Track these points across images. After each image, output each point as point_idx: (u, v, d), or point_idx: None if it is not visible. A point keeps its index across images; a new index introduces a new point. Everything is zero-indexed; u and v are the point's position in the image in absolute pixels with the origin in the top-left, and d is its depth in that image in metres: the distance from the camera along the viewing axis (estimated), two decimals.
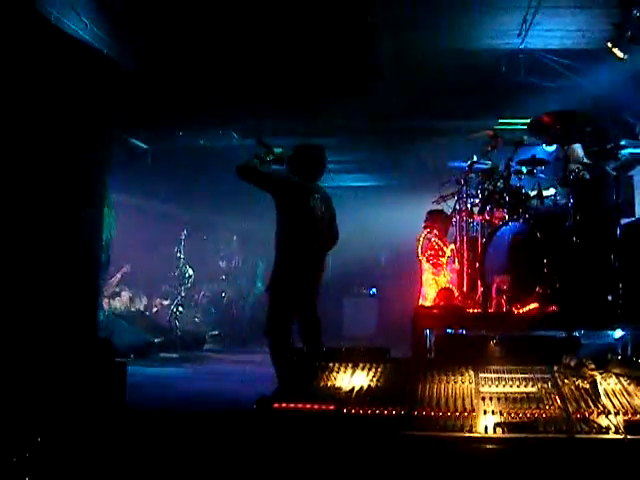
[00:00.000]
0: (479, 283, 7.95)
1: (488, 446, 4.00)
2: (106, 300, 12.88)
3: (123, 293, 14.30)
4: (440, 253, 9.05)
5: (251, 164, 7.08)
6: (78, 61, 6.49)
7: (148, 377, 9.57)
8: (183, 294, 14.08)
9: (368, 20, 9.00)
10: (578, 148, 8.25)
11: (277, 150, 7.31)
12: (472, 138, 9.10)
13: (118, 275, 14.26)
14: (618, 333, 7.19)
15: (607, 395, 4.54)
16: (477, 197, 8.77)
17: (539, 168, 8.32)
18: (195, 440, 5.53)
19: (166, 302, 14.51)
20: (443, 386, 4.78)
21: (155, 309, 14.94)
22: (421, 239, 9.32)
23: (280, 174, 7.32)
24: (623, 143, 7.73)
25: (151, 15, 8.97)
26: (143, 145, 13.81)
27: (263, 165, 7.18)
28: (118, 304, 13.96)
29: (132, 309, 14.24)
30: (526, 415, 4.26)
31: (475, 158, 8.78)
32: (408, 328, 7.68)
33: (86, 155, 6.54)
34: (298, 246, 7.09)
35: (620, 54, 8.62)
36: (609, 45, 8.64)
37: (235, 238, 16.49)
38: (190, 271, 14.23)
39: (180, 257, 13.94)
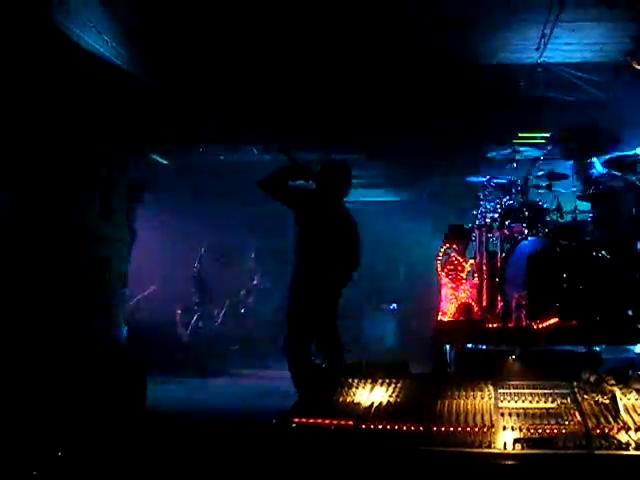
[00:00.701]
0: (499, 298, 7.95)
1: (507, 462, 3.99)
2: (127, 314, 12.90)
3: (144, 308, 14.33)
4: (459, 268, 9.03)
5: (275, 177, 7.08)
6: (98, 77, 6.57)
7: (168, 391, 9.59)
8: (203, 310, 14.09)
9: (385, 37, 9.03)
10: (597, 162, 8.24)
11: (304, 166, 7.30)
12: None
13: (139, 297, 14.33)
14: (639, 348, 7.16)
15: (627, 411, 4.52)
16: (496, 212, 8.77)
17: (558, 183, 8.33)
18: (215, 453, 5.55)
19: (187, 318, 14.51)
20: (462, 402, 4.77)
21: (177, 324, 14.95)
22: (440, 254, 9.31)
23: (304, 190, 7.32)
24: None
25: (173, 31, 9.02)
26: (163, 160, 13.89)
27: (288, 180, 7.17)
28: (139, 318, 13.98)
29: (154, 323, 14.26)
30: (545, 431, 4.24)
31: (494, 173, 8.79)
32: (428, 343, 7.68)
33: (104, 169, 6.60)
34: (317, 264, 7.08)
35: (638, 66, 8.61)
36: (627, 58, 8.63)
37: (255, 256, 16.49)
38: (210, 287, 14.25)
39: (200, 273, 13.96)
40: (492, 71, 10.10)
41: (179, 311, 14.78)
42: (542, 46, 9.37)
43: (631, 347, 7.29)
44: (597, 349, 6.92)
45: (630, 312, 7.15)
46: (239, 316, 15.98)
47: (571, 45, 9.46)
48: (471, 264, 9.09)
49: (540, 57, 9.70)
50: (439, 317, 8.93)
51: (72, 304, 6.21)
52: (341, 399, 4.93)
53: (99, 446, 5.38)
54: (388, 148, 12.68)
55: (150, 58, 9.45)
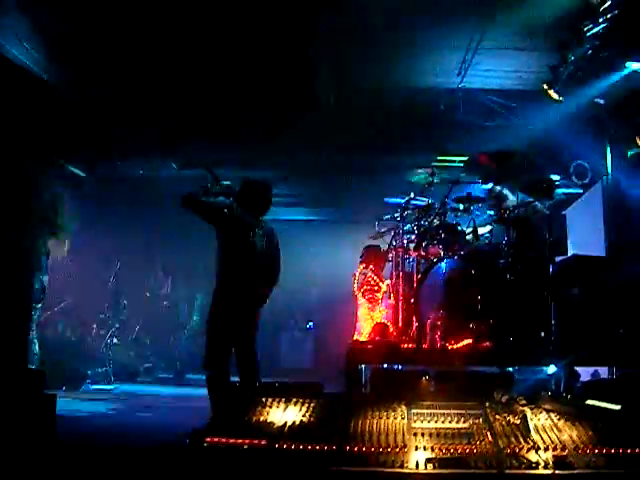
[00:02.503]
0: (414, 319, 8.00)
1: None
2: (38, 330, 12.62)
3: (54, 323, 14.05)
4: (376, 288, 9.09)
5: (197, 195, 7.08)
6: (15, 84, 6.43)
7: (79, 410, 9.39)
8: (117, 325, 13.89)
9: (310, 54, 9.06)
10: (509, 192, 8.38)
11: (224, 182, 7.33)
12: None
13: (55, 309, 14.06)
14: (551, 369, 7.29)
15: (537, 430, 4.58)
16: (413, 233, 8.86)
17: (475, 206, 8.44)
18: (126, 476, 5.44)
19: (102, 332, 14.28)
20: (375, 422, 4.76)
21: (89, 340, 14.70)
22: (357, 274, 9.35)
23: (224, 207, 7.32)
24: (557, 182, 7.88)
25: (92, 41, 8.91)
26: (81, 172, 13.68)
27: (209, 196, 7.19)
28: (50, 334, 13.70)
29: (64, 339, 13.99)
30: (457, 451, 4.26)
31: (412, 195, 8.86)
32: (343, 361, 7.68)
33: (17, 180, 6.44)
34: (237, 280, 7.09)
35: (555, 96, 8.79)
36: (545, 87, 8.81)
37: (171, 270, 16.35)
38: (125, 302, 14.06)
39: (114, 288, 13.76)
40: (413, 93, 10.22)
41: (94, 325, 14.55)
42: (463, 71, 9.53)
43: (543, 368, 7.42)
44: (510, 370, 7.01)
45: (542, 334, 7.27)
46: (155, 332, 15.82)
47: (491, 71, 9.64)
48: (387, 285, 9.15)
49: (461, 82, 9.86)
50: (354, 337, 8.96)
51: None
52: (254, 418, 4.88)
53: (6, 466, 5.23)
54: (307, 167, 12.73)
55: (70, 68, 9.31)
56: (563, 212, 9.34)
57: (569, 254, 8.34)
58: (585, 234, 9.88)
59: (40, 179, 7.41)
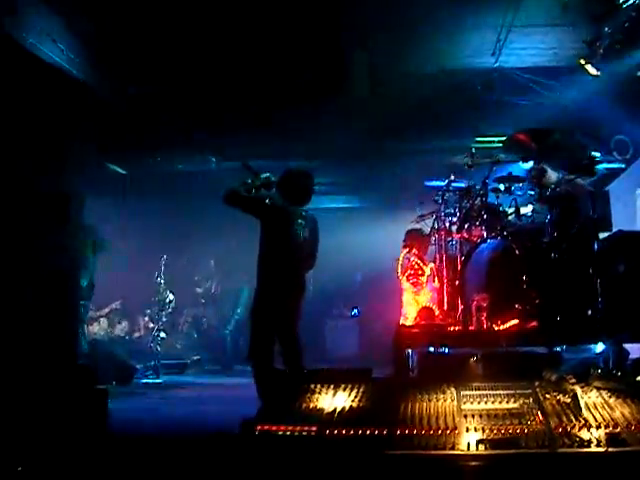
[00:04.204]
0: (459, 301, 7.98)
1: (471, 463, 3.99)
2: (86, 326, 12.78)
3: (102, 319, 14.23)
4: (420, 272, 9.07)
5: (238, 191, 7.11)
6: (52, 86, 6.49)
7: (130, 403, 9.49)
8: (164, 319, 14.00)
9: (342, 40, 9.05)
10: (549, 168, 8.30)
11: (263, 175, 7.34)
12: None
13: (106, 310, 14.24)
14: (599, 347, 7.23)
15: (588, 409, 4.55)
16: (455, 215, 8.82)
17: (516, 185, 8.38)
18: (178, 466, 5.49)
19: (150, 326, 14.43)
20: (425, 405, 4.77)
21: (137, 335, 14.85)
22: (400, 258, 9.33)
23: (266, 199, 7.33)
24: (598, 158, 7.79)
25: (127, 39, 8.97)
26: (122, 171, 13.81)
27: (250, 191, 7.21)
28: (97, 330, 13.88)
29: (113, 335, 14.16)
30: (508, 431, 4.25)
31: (452, 177, 8.82)
32: (390, 348, 7.69)
33: (61, 181, 6.51)
34: (280, 270, 7.11)
35: (593, 70, 8.70)
36: (582, 62, 8.72)
37: (215, 263, 16.43)
38: (171, 296, 14.16)
39: (161, 282, 13.85)
40: (449, 76, 10.16)
41: (142, 320, 14.71)
42: (497, 51, 9.45)
43: (591, 347, 7.36)
44: (558, 349, 6.96)
45: (589, 312, 7.21)
46: (201, 325, 15.94)
47: (526, 49, 9.55)
48: (431, 268, 9.13)
49: (496, 62, 9.78)
50: (400, 322, 8.96)
51: (29, 316, 6.11)
52: (304, 405, 4.91)
53: (60, 460, 5.30)
54: (345, 154, 12.72)
55: (106, 66, 9.39)
56: (606, 188, 9.22)
57: (614, 230, 8.26)
58: (630, 209, 9.78)
59: (79, 178, 7.47)
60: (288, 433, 4.43)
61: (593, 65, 8.66)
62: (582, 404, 4.62)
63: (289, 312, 7.20)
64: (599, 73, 8.75)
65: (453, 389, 5.01)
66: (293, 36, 8.88)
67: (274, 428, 4.49)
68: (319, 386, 5.21)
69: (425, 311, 8.63)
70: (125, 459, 5.69)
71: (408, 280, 9.11)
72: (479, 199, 8.39)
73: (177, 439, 6.61)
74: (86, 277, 10.73)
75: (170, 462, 5.61)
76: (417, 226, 9.67)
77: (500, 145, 10.09)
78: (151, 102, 10.62)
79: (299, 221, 7.27)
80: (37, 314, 6.19)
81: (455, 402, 4.78)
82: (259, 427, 4.52)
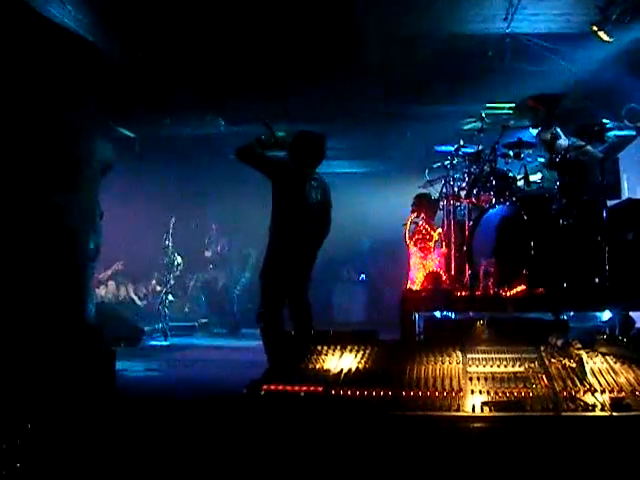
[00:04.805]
0: (467, 266, 7.99)
1: (476, 425, 4.03)
2: (93, 289, 12.83)
3: (110, 282, 14.28)
4: (428, 237, 9.06)
5: (252, 147, 7.08)
6: (61, 47, 6.46)
7: (138, 365, 9.56)
8: (172, 282, 14.05)
9: (354, 3, 8.98)
10: (561, 133, 8.27)
11: (279, 134, 7.30)
12: None
13: (109, 272, 14.27)
14: (606, 315, 7.25)
15: (593, 374, 4.58)
16: (464, 181, 8.80)
17: (526, 151, 8.35)
18: (185, 426, 5.54)
19: (157, 289, 14.50)
20: (431, 367, 4.81)
21: (144, 297, 14.92)
22: (408, 223, 9.32)
23: (279, 159, 7.31)
24: (609, 125, 7.76)
25: (136, 2, 8.93)
26: (131, 134, 13.79)
27: (264, 148, 7.18)
28: (105, 293, 13.94)
29: (120, 297, 14.23)
30: (513, 394, 4.29)
31: (462, 142, 8.79)
32: (397, 313, 7.70)
33: (69, 142, 6.51)
34: (292, 232, 7.09)
35: (605, 37, 8.63)
36: (594, 28, 8.64)
37: (223, 227, 16.43)
38: (179, 259, 14.20)
39: (168, 245, 13.89)
40: (460, 41, 10.09)
41: (150, 282, 14.77)
42: (510, 16, 9.37)
43: (597, 315, 7.38)
44: (564, 317, 6.98)
45: (597, 279, 7.21)
46: (209, 288, 15.99)
47: (538, 15, 9.46)
48: (439, 233, 9.12)
49: (508, 27, 9.70)
50: (408, 286, 8.97)
51: (38, 278, 6.14)
52: (311, 366, 4.95)
53: (69, 418, 5.36)
54: (355, 119, 12.68)
55: (114, 28, 9.34)
56: (618, 155, 9.17)
57: (623, 198, 8.23)
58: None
59: (90, 141, 7.47)
60: (294, 392, 4.47)
61: (605, 31, 8.59)
62: (587, 369, 4.66)
63: (300, 274, 7.20)
64: (611, 39, 8.68)
65: (459, 352, 5.05)
66: (306, 1, 8.82)
67: (280, 388, 4.53)
68: (325, 348, 5.26)
69: (432, 276, 8.62)
70: (132, 419, 5.75)
71: (416, 245, 9.10)
72: (488, 165, 8.37)
73: (184, 400, 6.66)
74: (93, 240, 10.75)
75: (177, 422, 5.66)
76: (425, 191, 9.64)
77: (510, 112, 10.05)
78: (160, 65, 10.58)
79: (312, 182, 7.25)
80: (46, 272, 6.22)
81: (461, 365, 4.82)
82: (265, 387, 4.56)
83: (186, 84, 11.16)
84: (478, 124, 8.74)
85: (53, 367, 5.77)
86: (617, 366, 4.70)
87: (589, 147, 8.01)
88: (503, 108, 11.09)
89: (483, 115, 8.89)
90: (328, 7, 9.00)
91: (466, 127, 8.75)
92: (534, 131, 8.77)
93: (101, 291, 13.84)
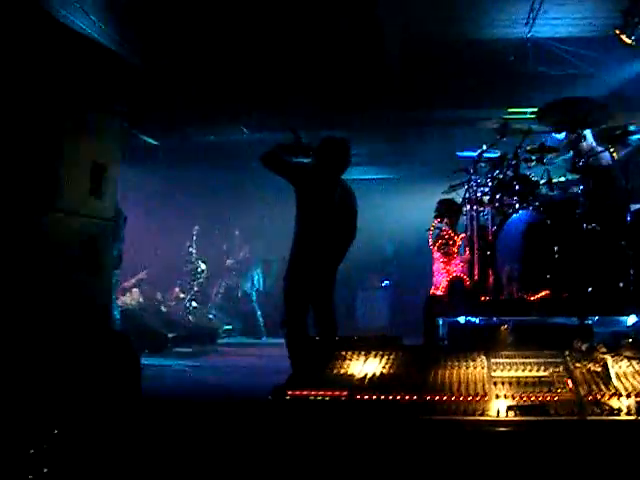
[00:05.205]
0: (490, 271, 7.97)
1: (501, 429, 4.02)
2: (118, 296, 12.91)
3: (134, 290, 14.37)
4: (451, 242, 9.04)
5: (277, 153, 7.09)
6: (86, 57, 6.51)
7: (163, 371, 9.62)
8: (196, 289, 14.13)
9: (376, 10, 9.01)
10: (588, 134, 8.25)
11: (305, 141, 7.31)
12: None
13: (133, 280, 14.36)
14: (631, 319, 7.21)
15: (618, 377, 4.56)
16: (487, 186, 8.77)
17: (549, 156, 8.33)
18: (210, 430, 5.57)
19: (181, 295, 14.58)
20: (455, 372, 4.80)
21: (169, 304, 15.00)
22: (432, 229, 9.32)
23: (303, 165, 7.32)
24: (632, 129, 7.73)
25: (160, 12, 9.00)
26: (153, 141, 13.88)
27: (289, 155, 7.19)
28: (130, 300, 14.03)
29: (145, 304, 14.31)
30: (538, 398, 4.28)
31: (484, 147, 8.79)
32: (420, 319, 7.71)
33: (93, 150, 6.55)
34: (316, 238, 7.10)
35: (628, 41, 8.60)
36: (617, 32, 8.63)
37: (246, 234, 16.50)
38: (203, 266, 14.28)
39: (192, 252, 13.97)
40: (482, 46, 10.10)
41: (174, 289, 14.84)
42: (531, 21, 9.39)
43: (623, 319, 7.34)
44: (589, 322, 6.95)
45: (621, 284, 7.18)
46: (233, 294, 16.05)
47: (560, 20, 9.47)
48: (462, 238, 9.10)
49: (529, 32, 9.71)
50: (431, 291, 8.96)
51: (62, 285, 6.18)
52: (335, 371, 4.96)
53: (95, 424, 5.40)
54: (377, 125, 12.71)
55: (137, 36, 9.43)
56: None
57: None
58: None
59: (112, 148, 7.51)
60: (319, 398, 4.48)
61: (628, 35, 8.56)
62: (612, 373, 4.63)
63: (324, 280, 7.22)
64: (634, 43, 8.65)
65: (483, 357, 5.04)
66: (328, 4, 8.85)
67: (305, 393, 4.54)
68: (350, 353, 5.26)
69: (456, 281, 8.61)
70: (157, 424, 5.79)
71: (439, 250, 9.08)
72: (511, 169, 8.35)
73: (209, 404, 6.70)
74: (116, 247, 10.82)
75: (202, 427, 5.69)
76: (449, 196, 9.63)
77: (532, 116, 10.02)
78: (183, 73, 10.66)
79: (336, 189, 7.25)
80: (72, 279, 6.26)
81: (485, 369, 4.81)
82: (290, 392, 4.57)
83: (209, 92, 11.23)
84: (499, 126, 8.71)
85: (80, 372, 5.81)
86: None
87: (612, 150, 7.98)
88: (525, 113, 11.08)
89: (505, 120, 8.87)
90: (349, 13, 9.04)
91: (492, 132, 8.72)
92: (557, 135, 8.75)
93: (126, 298, 13.91)
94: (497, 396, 4.34)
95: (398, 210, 15.59)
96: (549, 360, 4.91)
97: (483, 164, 8.86)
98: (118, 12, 8.99)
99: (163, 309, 14.63)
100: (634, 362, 4.81)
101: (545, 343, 5.53)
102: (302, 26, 9.37)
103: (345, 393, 4.47)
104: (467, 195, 9.08)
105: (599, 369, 4.73)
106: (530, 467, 3.89)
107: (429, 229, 9.26)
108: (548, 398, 4.29)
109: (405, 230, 14.48)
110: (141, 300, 14.41)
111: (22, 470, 4.42)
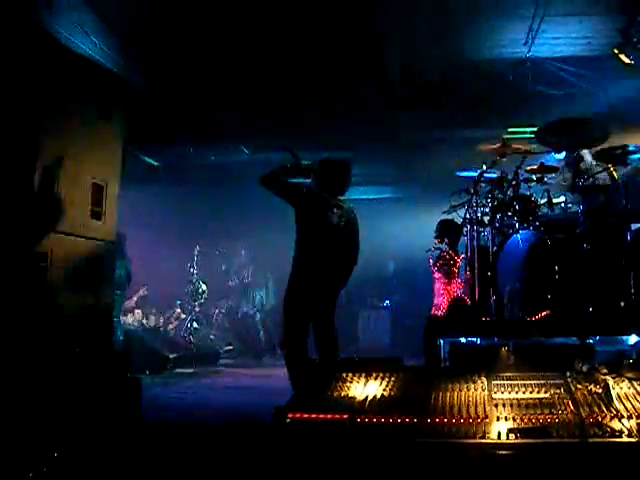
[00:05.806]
0: (491, 292, 7.96)
1: (502, 452, 4.00)
2: (121, 316, 12.90)
3: (136, 310, 14.36)
4: (451, 262, 9.06)
5: (277, 174, 7.10)
6: (86, 78, 6.54)
7: (163, 392, 9.59)
8: (197, 310, 14.12)
9: (375, 28, 9.04)
10: (587, 154, 8.27)
11: (305, 162, 7.32)
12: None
13: (134, 298, 14.35)
14: (632, 339, 7.18)
15: (620, 399, 4.54)
16: (487, 206, 8.78)
17: (548, 176, 8.35)
18: (211, 453, 5.56)
19: (182, 316, 14.55)
20: (456, 394, 4.78)
21: (170, 325, 14.98)
22: (432, 249, 9.33)
23: (303, 186, 7.33)
24: (632, 149, 7.74)
25: (160, 34, 9.05)
26: (154, 162, 13.91)
27: (289, 176, 7.20)
28: (131, 320, 14.01)
29: (146, 325, 14.30)
30: (539, 420, 4.26)
31: (484, 167, 8.80)
32: (421, 339, 7.69)
33: (93, 171, 6.57)
34: (315, 259, 7.10)
35: (627, 60, 8.63)
36: (615, 51, 8.65)
37: (246, 254, 16.51)
38: (204, 287, 14.27)
39: (193, 273, 13.97)
40: (480, 66, 10.13)
41: (175, 310, 14.82)
42: (530, 40, 9.40)
43: (624, 339, 7.32)
44: (590, 341, 6.93)
45: (622, 303, 7.17)
46: (234, 315, 16.02)
47: (559, 39, 9.49)
48: (463, 258, 9.11)
49: (528, 52, 9.73)
50: (432, 312, 8.96)
51: (63, 306, 6.19)
52: (335, 393, 4.94)
53: (95, 446, 5.38)
54: (377, 145, 12.74)
55: (138, 59, 9.47)
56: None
57: None
58: None
59: (113, 169, 7.53)
60: (319, 420, 4.47)
61: (627, 54, 8.59)
62: (614, 394, 4.61)
63: (325, 301, 7.21)
64: (633, 62, 8.68)
65: (484, 378, 5.03)
66: (326, 23, 8.88)
67: (305, 415, 4.53)
68: (350, 375, 5.25)
69: (457, 301, 8.61)
70: (158, 446, 5.77)
71: (440, 271, 9.10)
72: (511, 189, 8.36)
73: (210, 427, 6.68)
74: (122, 267, 10.82)
75: (202, 449, 5.68)
76: (449, 217, 9.65)
77: (532, 136, 10.04)
78: (183, 94, 10.69)
79: (335, 210, 7.26)
80: (73, 299, 6.27)
81: (486, 391, 4.79)
82: (290, 415, 4.56)
83: (209, 113, 11.26)
84: (498, 146, 8.72)
85: (80, 394, 5.80)
86: None
87: (612, 170, 8.00)
88: (525, 133, 11.10)
89: (504, 140, 8.89)
90: (351, 35, 9.07)
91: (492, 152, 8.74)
92: (557, 155, 8.77)
93: (128, 318, 13.91)
94: (498, 418, 4.32)
95: (399, 230, 15.59)
96: (550, 381, 4.89)
97: (483, 184, 8.87)
98: (119, 34, 9.03)
99: (164, 330, 14.62)
100: (635, 383, 4.79)
101: (546, 363, 5.52)
102: (303, 48, 9.40)
103: (346, 416, 4.45)
104: (467, 215, 9.09)
105: (600, 390, 4.71)
106: None
107: (429, 250, 9.27)
108: (549, 420, 4.27)
109: (406, 250, 14.47)
110: (143, 321, 14.42)
111: None
